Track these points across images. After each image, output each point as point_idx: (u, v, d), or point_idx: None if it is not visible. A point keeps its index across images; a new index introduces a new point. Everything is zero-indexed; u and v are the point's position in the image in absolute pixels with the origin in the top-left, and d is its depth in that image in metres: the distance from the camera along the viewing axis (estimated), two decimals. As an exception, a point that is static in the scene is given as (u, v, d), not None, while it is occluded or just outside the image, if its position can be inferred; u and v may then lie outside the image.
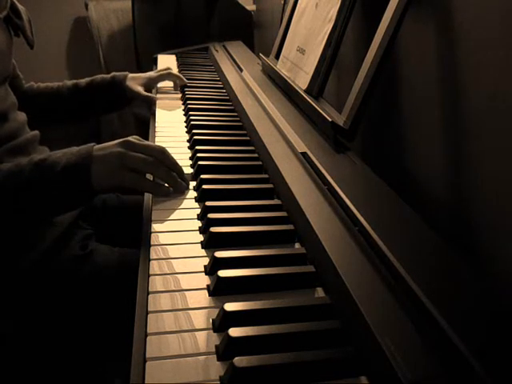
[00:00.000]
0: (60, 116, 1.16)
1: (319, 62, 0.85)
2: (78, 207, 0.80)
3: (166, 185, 0.71)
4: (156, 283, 0.51)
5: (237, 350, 0.40)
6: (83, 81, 1.15)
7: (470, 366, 0.33)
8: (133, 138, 0.71)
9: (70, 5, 2.16)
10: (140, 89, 1.15)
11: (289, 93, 0.96)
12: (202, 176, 0.72)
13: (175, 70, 1.41)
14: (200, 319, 0.46)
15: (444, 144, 0.64)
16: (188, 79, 1.26)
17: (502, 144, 0.53)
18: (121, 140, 0.70)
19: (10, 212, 0.68)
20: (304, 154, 0.70)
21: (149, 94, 1.16)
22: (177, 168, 0.72)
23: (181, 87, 1.25)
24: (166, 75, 1.23)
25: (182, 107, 1.12)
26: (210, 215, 0.61)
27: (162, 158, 0.70)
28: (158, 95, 1.20)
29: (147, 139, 0.87)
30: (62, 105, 1.14)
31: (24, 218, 0.71)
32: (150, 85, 1.20)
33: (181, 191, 0.71)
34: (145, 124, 1.12)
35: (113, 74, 1.17)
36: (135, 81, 1.16)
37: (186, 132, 0.97)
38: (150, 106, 1.16)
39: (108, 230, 0.97)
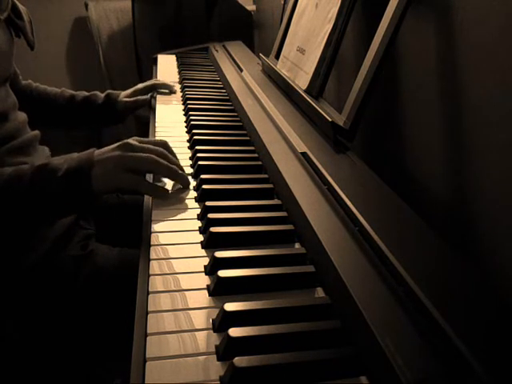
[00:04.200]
0: (54, 122, 1.19)
1: (319, 62, 0.84)
2: (77, 212, 0.81)
3: (166, 187, 0.71)
4: (156, 283, 0.51)
5: (237, 350, 0.40)
6: (80, 95, 1.18)
7: (470, 366, 0.33)
8: (132, 140, 0.71)
9: (69, 5, 2.16)
10: (129, 100, 1.18)
11: (289, 93, 0.96)
12: (202, 176, 0.72)
13: (175, 70, 1.42)
14: (200, 319, 0.46)
15: (444, 144, 0.64)
16: (188, 79, 1.26)
17: (502, 144, 0.53)
18: (119, 143, 0.71)
19: (11, 216, 0.68)
20: (304, 154, 0.70)
21: (136, 98, 1.18)
22: (176, 164, 0.72)
23: (181, 88, 1.25)
24: (151, 86, 1.23)
25: (182, 107, 1.12)
26: (210, 215, 0.61)
27: (162, 156, 0.71)
28: (158, 96, 1.20)
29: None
30: (57, 113, 1.17)
31: (24, 223, 0.71)
32: (137, 96, 1.21)
33: (184, 183, 0.72)
34: (145, 124, 1.12)
35: (107, 92, 1.20)
36: (125, 97, 1.19)
37: (186, 132, 0.97)
38: (147, 106, 1.17)
39: (108, 230, 0.97)
